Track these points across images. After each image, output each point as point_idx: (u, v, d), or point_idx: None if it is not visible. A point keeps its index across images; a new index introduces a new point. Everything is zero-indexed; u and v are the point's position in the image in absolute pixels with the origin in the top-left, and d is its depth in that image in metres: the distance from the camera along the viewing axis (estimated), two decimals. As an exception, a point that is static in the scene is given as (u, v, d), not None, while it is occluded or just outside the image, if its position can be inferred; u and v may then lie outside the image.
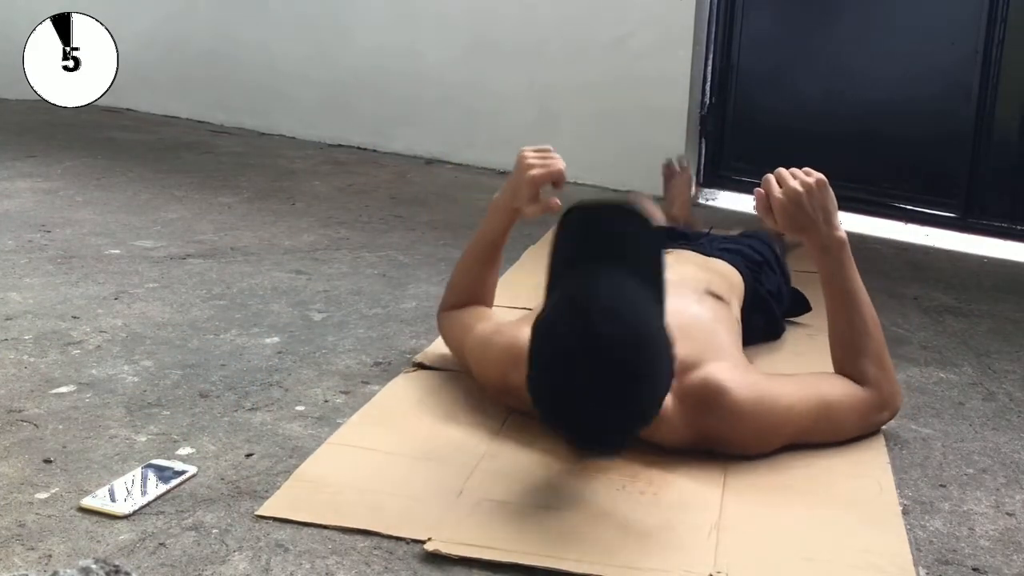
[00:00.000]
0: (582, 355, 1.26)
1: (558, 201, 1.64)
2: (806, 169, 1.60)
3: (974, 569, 1.27)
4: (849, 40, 3.27)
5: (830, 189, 1.60)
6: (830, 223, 1.59)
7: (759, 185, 1.62)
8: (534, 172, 1.66)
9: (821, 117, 3.34)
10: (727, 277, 1.86)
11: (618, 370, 1.26)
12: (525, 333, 1.40)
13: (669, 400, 1.45)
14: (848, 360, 1.61)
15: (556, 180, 1.67)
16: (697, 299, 1.66)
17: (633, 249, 1.36)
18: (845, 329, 1.61)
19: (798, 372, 1.71)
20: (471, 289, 1.82)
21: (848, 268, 1.60)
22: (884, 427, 1.65)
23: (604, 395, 1.27)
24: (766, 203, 1.60)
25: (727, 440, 1.48)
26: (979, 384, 1.90)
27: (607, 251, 1.34)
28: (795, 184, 1.57)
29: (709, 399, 1.46)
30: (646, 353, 1.29)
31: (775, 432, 1.51)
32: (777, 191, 1.58)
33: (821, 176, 1.59)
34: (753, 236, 2.22)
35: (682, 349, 1.49)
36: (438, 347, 1.89)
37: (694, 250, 1.95)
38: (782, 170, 1.61)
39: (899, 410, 1.64)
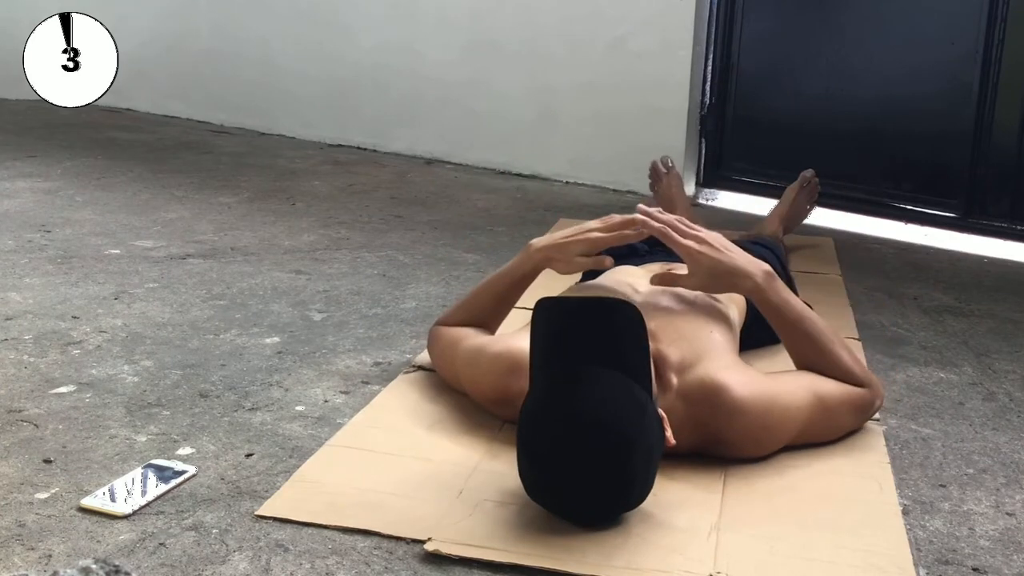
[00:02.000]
0: (571, 466, 1.26)
1: (610, 260, 1.69)
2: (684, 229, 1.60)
3: (974, 569, 1.27)
4: (849, 40, 3.28)
5: (720, 235, 1.61)
6: (747, 258, 1.60)
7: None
8: (580, 260, 1.69)
9: (821, 117, 3.34)
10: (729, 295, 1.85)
11: (607, 476, 1.26)
12: (522, 343, 1.41)
13: (671, 400, 1.46)
14: (834, 372, 1.59)
15: (594, 250, 1.69)
16: (692, 299, 1.67)
17: (613, 343, 1.32)
18: (815, 349, 1.60)
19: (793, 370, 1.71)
20: (481, 318, 1.76)
21: (786, 293, 1.61)
22: (884, 427, 1.65)
23: (594, 497, 1.28)
24: (674, 278, 1.62)
25: (727, 439, 1.48)
26: (979, 384, 1.90)
27: (587, 348, 1.31)
28: (691, 244, 1.58)
29: (709, 396, 1.46)
30: (634, 455, 1.26)
31: (774, 431, 1.50)
32: (689, 242, 1.58)
33: (706, 234, 1.61)
34: (758, 243, 2.22)
35: (678, 350, 1.50)
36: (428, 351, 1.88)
37: None
38: (669, 233, 1.59)
39: (883, 398, 1.65)
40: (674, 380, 1.48)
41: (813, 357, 1.60)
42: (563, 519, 1.31)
